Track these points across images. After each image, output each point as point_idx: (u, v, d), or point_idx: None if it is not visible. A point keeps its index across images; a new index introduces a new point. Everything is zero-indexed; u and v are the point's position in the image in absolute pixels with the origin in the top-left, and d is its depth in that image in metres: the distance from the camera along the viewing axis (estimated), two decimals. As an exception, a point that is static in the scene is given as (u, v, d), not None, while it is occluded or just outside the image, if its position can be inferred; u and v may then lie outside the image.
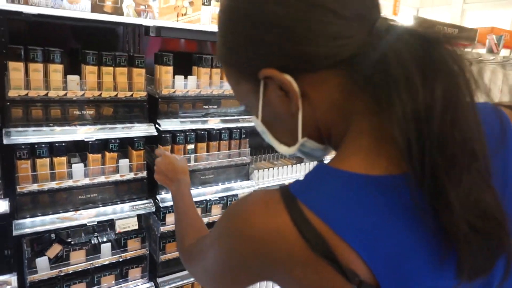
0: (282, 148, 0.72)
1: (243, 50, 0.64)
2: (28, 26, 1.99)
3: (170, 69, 2.05)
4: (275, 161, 2.99)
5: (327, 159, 0.67)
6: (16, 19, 1.78)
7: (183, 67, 2.20)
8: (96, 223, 1.96)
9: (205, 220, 2.39)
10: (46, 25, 2.05)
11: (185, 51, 2.66)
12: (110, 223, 2.32)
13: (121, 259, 2.14)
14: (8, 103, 1.66)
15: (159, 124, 2.03)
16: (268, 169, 2.65)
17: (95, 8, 1.68)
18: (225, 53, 0.68)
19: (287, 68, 0.60)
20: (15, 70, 1.63)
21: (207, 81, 2.18)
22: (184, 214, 1.14)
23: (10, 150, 1.74)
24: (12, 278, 1.79)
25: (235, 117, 2.33)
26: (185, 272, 2.40)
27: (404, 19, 2.94)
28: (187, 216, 1.13)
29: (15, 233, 1.74)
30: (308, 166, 2.83)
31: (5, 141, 1.61)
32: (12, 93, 1.64)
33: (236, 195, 2.47)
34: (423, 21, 2.96)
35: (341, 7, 0.57)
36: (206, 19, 2.00)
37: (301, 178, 0.62)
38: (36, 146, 1.76)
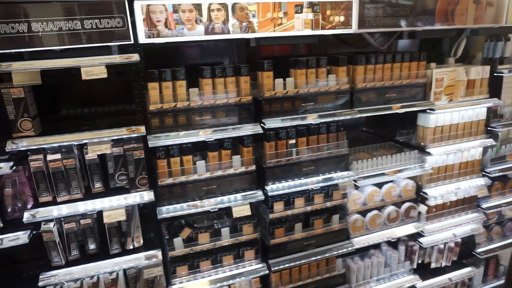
0: None
1: None
2: (155, 52, 2.46)
3: (271, 73, 2.30)
4: (374, 152, 3.04)
5: None
6: (149, 48, 2.22)
7: (281, 70, 2.44)
8: (217, 210, 2.33)
9: (308, 208, 2.61)
10: (170, 49, 2.51)
11: (281, 55, 2.91)
12: (227, 212, 2.69)
13: (237, 242, 2.49)
14: (149, 115, 2.11)
15: (263, 123, 2.31)
16: (367, 160, 2.73)
17: (207, 31, 2.02)
18: None
19: None
20: (153, 89, 2.07)
21: (304, 81, 2.38)
22: None
23: (152, 152, 2.21)
24: (158, 253, 2.26)
25: (332, 112, 2.48)
26: (293, 256, 2.64)
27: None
28: None
29: (158, 217, 2.20)
30: (407, 156, 2.81)
31: (150, 145, 2.06)
32: (152, 107, 2.09)
33: (336, 185, 2.62)
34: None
35: None
36: (299, 25, 2.20)
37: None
38: (169, 147, 2.20)
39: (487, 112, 3.00)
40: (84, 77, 1.79)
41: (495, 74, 2.95)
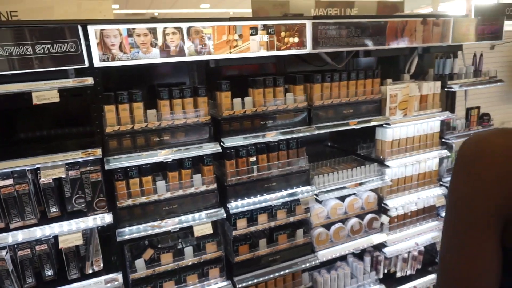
0: None
1: None
2: (112, 73, 2.47)
3: (229, 94, 2.36)
4: (336, 166, 3.12)
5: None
6: (111, 70, 2.23)
7: (243, 89, 2.51)
8: (178, 229, 2.33)
9: (272, 224, 2.64)
10: (131, 71, 2.52)
11: (244, 74, 2.98)
12: (191, 231, 2.69)
13: (201, 260, 2.49)
14: (107, 137, 2.11)
15: (223, 142, 2.34)
16: (328, 174, 2.80)
17: (163, 53, 2.06)
18: None
19: None
20: (109, 111, 2.08)
21: (262, 100, 2.44)
22: None
23: (110, 174, 2.20)
24: (119, 276, 2.23)
25: (290, 129, 2.55)
26: (259, 272, 2.66)
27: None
28: None
29: (118, 239, 2.18)
30: (367, 169, 2.91)
31: (106, 167, 2.05)
32: (108, 130, 2.09)
33: (298, 200, 2.67)
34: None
35: None
36: (255, 47, 2.27)
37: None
38: (128, 169, 2.19)
39: (440, 125, 3.15)
40: (35, 101, 1.78)
41: (445, 89, 3.12)
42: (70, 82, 1.87)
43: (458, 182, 0.86)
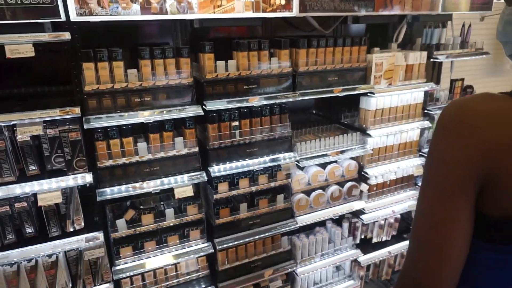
0: None
1: None
2: (93, 31, 2.38)
3: (212, 56, 2.31)
4: (320, 134, 3.14)
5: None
6: (85, 27, 2.15)
7: (228, 52, 2.46)
8: (159, 191, 2.35)
9: (253, 188, 2.68)
10: (115, 29, 2.44)
11: (231, 37, 2.90)
12: (173, 193, 2.71)
13: (182, 222, 2.53)
14: (85, 96, 2.07)
15: (205, 105, 2.32)
16: (310, 141, 2.83)
17: (144, 10, 1.99)
18: None
19: None
20: (88, 69, 2.03)
21: (246, 63, 2.41)
22: None
23: (90, 134, 2.17)
24: (100, 235, 2.26)
25: (274, 94, 2.53)
26: (239, 234, 2.73)
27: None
28: None
29: (98, 199, 2.19)
30: (349, 138, 2.94)
31: (85, 127, 2.02)
32: (87, 88, 2.05)
33: (279, 165, 2.70)
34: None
35: None
36: (240, 8, 2.21)
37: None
38: (108, 129, 2.17)
39: (424, 95, 3.17)
40: (8, 55, 1.72)
41: (431, 60, 3.11)
42: (45, 36, 1.80)
43: (437, 146, 0.86)
